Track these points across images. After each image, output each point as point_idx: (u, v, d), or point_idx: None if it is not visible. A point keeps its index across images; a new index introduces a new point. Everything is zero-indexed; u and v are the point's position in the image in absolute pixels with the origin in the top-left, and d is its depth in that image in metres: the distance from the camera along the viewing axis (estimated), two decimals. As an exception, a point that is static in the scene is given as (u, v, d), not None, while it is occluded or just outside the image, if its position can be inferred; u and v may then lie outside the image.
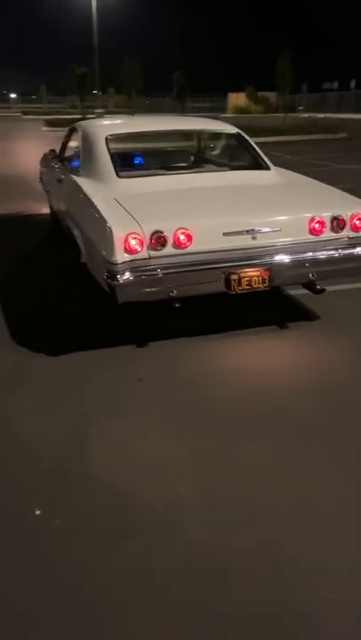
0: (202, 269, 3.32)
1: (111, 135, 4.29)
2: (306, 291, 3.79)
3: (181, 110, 32.54)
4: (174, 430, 2.76)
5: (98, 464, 2.50)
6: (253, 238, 3.42)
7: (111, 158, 4.09)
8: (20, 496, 2.32)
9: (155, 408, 2.95)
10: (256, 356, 3.54)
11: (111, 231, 3.18)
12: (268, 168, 4.40)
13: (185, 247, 3.30)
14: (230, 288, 3.39)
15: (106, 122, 5.56)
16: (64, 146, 5.57)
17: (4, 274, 5.19)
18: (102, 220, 3.32)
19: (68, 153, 5.52)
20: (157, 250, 3.24)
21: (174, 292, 3.24)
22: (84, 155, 4.41)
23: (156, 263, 3.24)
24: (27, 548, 2.05)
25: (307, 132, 21.79)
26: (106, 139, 4.23)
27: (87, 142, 4.41)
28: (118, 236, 3.15)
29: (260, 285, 3.46)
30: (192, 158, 5.26)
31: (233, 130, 4.82)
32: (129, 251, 3.16)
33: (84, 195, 3.81)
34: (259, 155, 4.52)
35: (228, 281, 3.37)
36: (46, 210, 6.97)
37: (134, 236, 3.17)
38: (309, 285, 3.66)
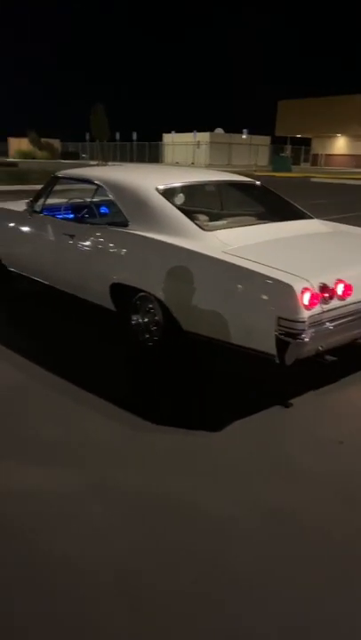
0: (359, 319, 3.32)
1: (163, 186, 4.05)
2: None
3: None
4: None
5: None
6: None
7: (181, 211, 3.87)
8: None
9: None
10: None
11: (289, 287, 2.99)
12: (312, 217, 4.52)
13: (346, 298, 3.25)
14: None
15: (126, 170, 5.11)
16: (42, 196, 4.83)
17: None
18: (258, 277, 3.14)
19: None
20: (327, 303, 3.15)
21: (323, 345, 3.17)
22: (129, 208, 4.01)
23: (326, 317, 3.16)
24: None
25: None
26: (157, 190, 3.97)
27: (128, 194, 4.07)
28: (299, 290, 3.00)
29: None
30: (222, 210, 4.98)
31: (257, 182, 4.94)
32: (307, 306, 3.03)
33: (186, 252, 3.50)
34: (295, 205, 4.64)
35: None
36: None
37: (309, 290, 3.04)
38: None
